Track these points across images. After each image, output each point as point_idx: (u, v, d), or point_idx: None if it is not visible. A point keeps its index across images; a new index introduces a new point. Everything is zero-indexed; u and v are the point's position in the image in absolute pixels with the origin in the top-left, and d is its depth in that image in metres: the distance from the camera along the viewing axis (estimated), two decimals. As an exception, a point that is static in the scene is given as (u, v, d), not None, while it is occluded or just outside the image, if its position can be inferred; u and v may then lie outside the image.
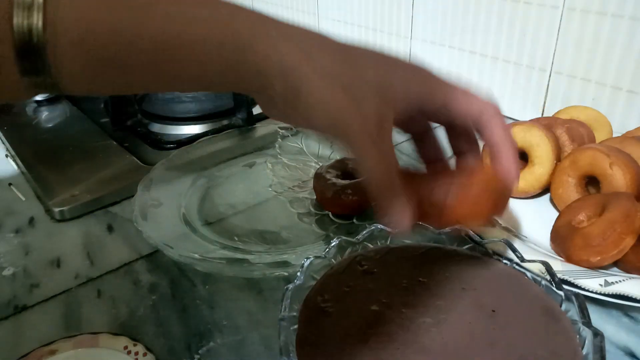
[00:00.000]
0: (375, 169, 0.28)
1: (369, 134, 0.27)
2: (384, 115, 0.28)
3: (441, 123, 0.34)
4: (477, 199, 0.31)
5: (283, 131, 0.66)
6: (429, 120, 0.34)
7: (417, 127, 0.35)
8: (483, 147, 0.44)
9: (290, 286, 0.33)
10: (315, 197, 0.54)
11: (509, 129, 0.32)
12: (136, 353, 0.36)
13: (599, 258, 0.41)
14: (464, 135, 0.34)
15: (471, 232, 0.38)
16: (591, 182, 0.49)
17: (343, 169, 0.53)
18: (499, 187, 0.32)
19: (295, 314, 0.32)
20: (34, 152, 0.67)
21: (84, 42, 0.23)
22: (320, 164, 0.57)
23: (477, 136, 0.34)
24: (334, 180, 0.51)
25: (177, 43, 0.24)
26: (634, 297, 0.38)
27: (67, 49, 0.23)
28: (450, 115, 0.32)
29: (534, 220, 0.50)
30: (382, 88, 0.28)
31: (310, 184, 0.55)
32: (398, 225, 0.29)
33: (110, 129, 0.73)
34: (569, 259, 0.43)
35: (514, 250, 0.36)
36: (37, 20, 0.22)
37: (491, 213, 0.32)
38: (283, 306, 0.31)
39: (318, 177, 0.53)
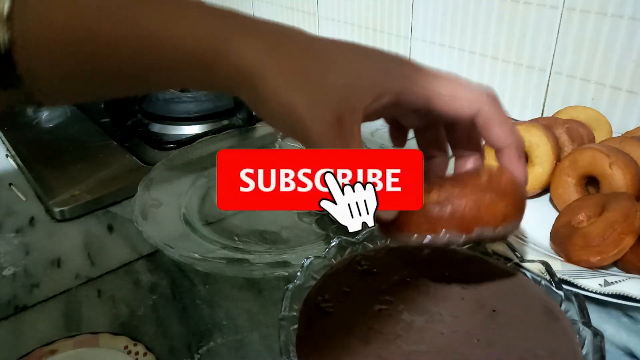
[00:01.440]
0: None
1: (325, 134, 0.26)
2: (345, 111, 0.26)
3: (437, 121, 0.31)
4: (475, 205, 0.26)
5: (283, 131, 0.66)
6: (423, 119, 0.31)
7: (413, 121, 0.32)
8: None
9: (290, 286, 0.33)
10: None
11: (511, 125, 0.28)
12: (136, 353, 0.36)
13: (598, 258, 0.41)
14: (464, 135, 0.31)
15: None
16: (591, 182, 0.49)
17: None
18: (507, 189, 0.27)
19: (295, 313, 0.32)
20: (35, 152, 0.67)
21: (54, 50, 0.23)
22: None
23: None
24: None
25: (147, 52, 0.24)
26: (633, 297, 0.38)
27: (38, 59, 0.23)
28: (438, 114, 0.28)
29: (533, 220, 0.50)
30: (349, 80, 0.26)
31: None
32: (381, 217, 0.27)
33: (111, 129, 0.73)
34: (568, 259, 0.43)
35: (514, 250, 0.36)
36: (2, 33, 0.23)
37: (501, 220, 0.27)
38: (283, 306, 0.31)
39: None
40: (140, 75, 0.25)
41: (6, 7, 0.22)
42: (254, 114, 0.72)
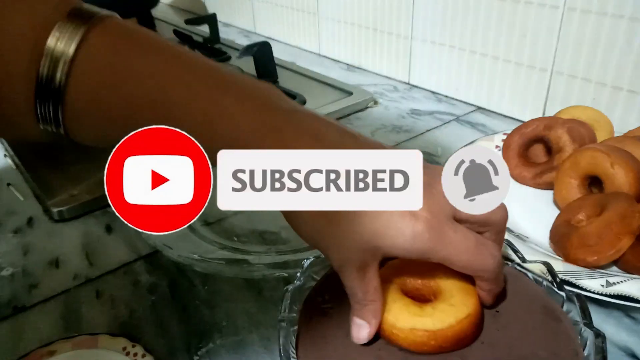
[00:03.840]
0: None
1: (350, 276, 0.29)
2: (369, 258, 0.28)
3: None
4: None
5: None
6: None
7: None
8: None
9: (290, 287, 0.33)
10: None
11: (496, 291, 0.31)
12: (135, 354, 0.36)
13: (595, 258, 0.41)
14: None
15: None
16: (594, 182, 0.49)
17: None
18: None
19: (295, 314, 0.32)
20: (33, 151, 0.67)
21: (97, 102, 0.26)
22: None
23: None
24: None
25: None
26: (635, 297, 0.38)
27: (82, 105, 0.26)
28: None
29: (536, 221, 0.50)
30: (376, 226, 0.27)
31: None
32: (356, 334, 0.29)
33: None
34: (566, 257, 0.43)
35: (515, 251, 0.36)
36: (61, 71, 0.25)
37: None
38: (283, 307, 0.31)
39: None
40: None
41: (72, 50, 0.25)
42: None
